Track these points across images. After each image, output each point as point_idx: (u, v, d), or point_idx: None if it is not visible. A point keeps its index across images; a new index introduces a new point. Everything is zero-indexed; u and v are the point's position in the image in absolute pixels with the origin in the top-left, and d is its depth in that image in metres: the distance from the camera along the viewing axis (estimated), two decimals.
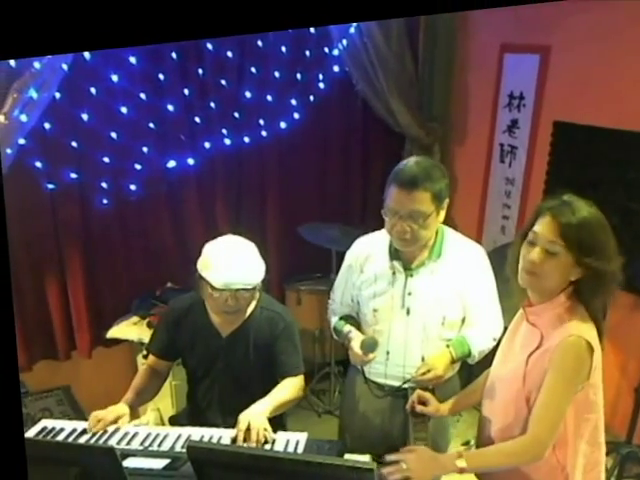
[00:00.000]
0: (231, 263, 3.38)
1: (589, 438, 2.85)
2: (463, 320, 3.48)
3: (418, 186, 3.14)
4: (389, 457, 2.77)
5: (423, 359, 3.41)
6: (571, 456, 2.83)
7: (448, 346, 3.39)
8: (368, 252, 3.56)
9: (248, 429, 3.20)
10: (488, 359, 3.39)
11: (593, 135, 4.99)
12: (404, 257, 3.42)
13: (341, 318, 3.69)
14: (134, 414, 3.62)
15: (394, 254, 3.43)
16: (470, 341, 3.40)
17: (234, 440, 3.22)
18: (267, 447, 3.19)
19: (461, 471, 2.71)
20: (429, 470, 2.74)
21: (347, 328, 3.58)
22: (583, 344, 2.63)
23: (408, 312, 3.41)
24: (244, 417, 3.24)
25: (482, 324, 3.45)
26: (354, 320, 3.67)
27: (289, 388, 3.56)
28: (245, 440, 3.18)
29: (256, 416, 3.26)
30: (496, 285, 3.52)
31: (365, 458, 3.18)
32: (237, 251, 3.44)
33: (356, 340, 3.40)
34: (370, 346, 3.30)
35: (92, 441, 3.31)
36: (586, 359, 2.65)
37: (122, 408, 3.50)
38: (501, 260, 3.74)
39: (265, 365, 3.64)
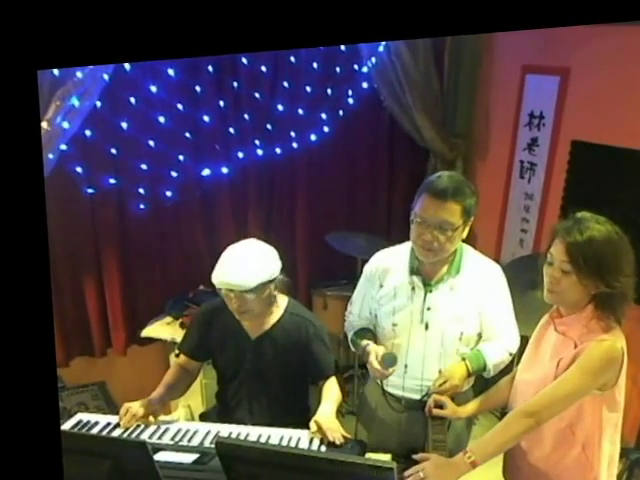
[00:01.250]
0: (226, 265, 3.36)
1: (610, 436, 2.86)
2: (479, 335, 3.39)
3: (450, 198, 3.06)
4: (407, 472, 2.72)
5: (440, 373, 3.32)
6: (597, 454, 2.85)
7: (464, 359, 3.31)
8: (386, 266, 3.47)
9: (321, 432, 3.22)
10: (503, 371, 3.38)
11: (609, 154, 4.89)
12: (424, 272, 3.32)
13: (359, 331, 3.61)
14: (165, 409, 3.59)
15: (414, 269, 3.33)
16: (486, 355, 3.30)
17: (321, 441, 3.26)
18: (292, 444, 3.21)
19: (473, 465, 2.71)
20: (447, 475, 2.72)
21: (365, 342, 3.48)
22: (618, 347, 2.66)
23: (427, 327, 3.32)
24: (321, 419, 3.25)
25: (498, 339, 3.37)
26: (371, 333, 3.57)
27: (337, 387, 3.55)
28: (322, 442, 3.22)
29: (327, 419, 3.26)
30: (514, 296, 3.44)
31: (386, 457, 3.14)
32: (238, 254, 3.42)
33: (374, 355, 3.30)
34: (390, 361, 3.22)
35: (125, 435, 3.30)
36: (617, 362, 2.68)
37: (150, 406, 3.48)
38: (519, 271, 3.70)
39: (292, 368, 3.60)
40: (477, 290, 3.31)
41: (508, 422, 2.82)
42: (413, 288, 3.34)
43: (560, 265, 2.68)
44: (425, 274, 3.33)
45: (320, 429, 3.21)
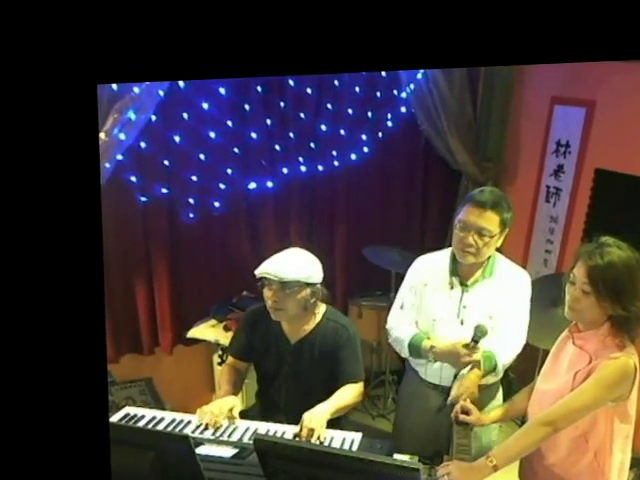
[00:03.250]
0: (271, 258, 3.48)
1: (621, 446, 2.88)
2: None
3: (490, 208, 3.24)
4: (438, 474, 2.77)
5: (456, 381, 3.39)
6: (608, 461, 2.86)
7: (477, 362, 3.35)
8: (430, 267, 3.57)
9: (309, 427, 3.19)
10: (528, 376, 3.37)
11: (631, 183, 4.83)
12: (462, 274, 3.45)
13: (414, 336, 3.54)
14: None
15: (453, 271, 3.44)
16: (498, 356, 3.37)
17: (297, 435, 3.22)
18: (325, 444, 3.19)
19: (495, 469, 2.74)
20: (471, 478, 2.75)
21: (426, 342, 3.46)
22: (631, 364, 2.68)
23: (462, 323, 3.42)
24: (308, 416, 3.24)
25: (509, 340, 3.46)
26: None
27: (349, 393, 3.51)
28: (305, 437, 3.19)
29: (318, 417, 3.25)
30: (537, 312, 3.56)
31: (413, 459, 3.12)
32: (284, 252, 3.51)
33: (452, 343, 3.36)
34: (482, 332, 3.27)
35: (169, 429, 3.30)
36: (630, 377, 2.70)
37: (233, 399, 3.54)
38: (542, 289, 3.72)
39: (328, 371, 3.58)
40: (505, 292, 3.43)
41: (528, 429, 2.85)
42: (452, 287, 3.48)
43: (581, 286, 2.70)
44: (463, 275, 3.47)
45: (303, 422, 3.23)
